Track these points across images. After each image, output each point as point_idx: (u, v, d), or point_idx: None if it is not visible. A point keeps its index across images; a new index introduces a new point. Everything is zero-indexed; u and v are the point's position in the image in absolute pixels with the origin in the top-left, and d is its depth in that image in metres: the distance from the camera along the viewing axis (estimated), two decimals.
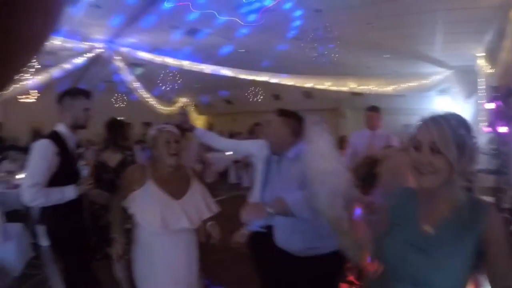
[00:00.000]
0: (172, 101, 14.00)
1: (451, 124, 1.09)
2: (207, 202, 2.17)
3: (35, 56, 0.26)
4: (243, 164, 8.59)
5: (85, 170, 2.42)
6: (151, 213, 1.97)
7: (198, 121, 13.75)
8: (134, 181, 2.04)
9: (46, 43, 0.26)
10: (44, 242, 4.37)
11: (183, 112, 2.96)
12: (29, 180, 2.15)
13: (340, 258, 2.05)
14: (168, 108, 13.33)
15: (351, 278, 3.47)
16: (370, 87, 8.09)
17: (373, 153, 3.03)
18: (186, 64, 7.24)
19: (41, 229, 4.37)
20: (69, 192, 2.25)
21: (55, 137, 2.30)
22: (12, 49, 0.22)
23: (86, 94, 2.43)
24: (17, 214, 4.52)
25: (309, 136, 1.93)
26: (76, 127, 2.41)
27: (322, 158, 1.76)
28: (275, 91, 11.69)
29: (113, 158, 3.20)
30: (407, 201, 1.29)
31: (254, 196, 2.61)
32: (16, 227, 4.01)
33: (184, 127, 2.81)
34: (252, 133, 3.55)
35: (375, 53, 7.11)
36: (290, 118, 2.20)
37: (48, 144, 2.22)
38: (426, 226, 1.18)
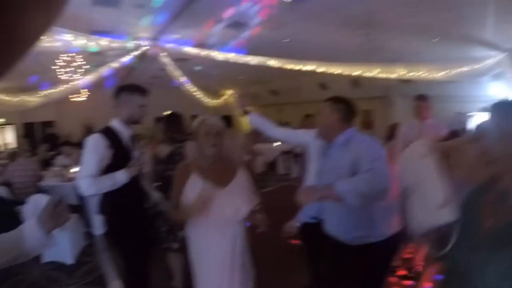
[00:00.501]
0: (218, 93, 14.16)
1: None
2: (251, 193, 2.15)
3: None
4: (292, 154, 8.51)
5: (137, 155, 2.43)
6: (196, 203, 1.98)
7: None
8: (181, 179, 2.08)
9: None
10: (98, 231, 4.61)
11: (242, 96, 3.04)
12: (83, 172, 2.30)
13: (390, 248, 2.00)
14: (215, 101, 13.52)
15: (402, 272, 3.35)
16: (419, 73, 7.65)
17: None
18: (232, 56, 7.24)
19: (95, 219, 4.62)
20: (120, 176, 2.31)
21: (107, 131, 2.39)
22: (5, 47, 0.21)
23: (142, 90, 2.48)
24: (72, 206, 4.74)
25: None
26: (131, 122, 2.47)
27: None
28: (322, 80, 11.38)
29: (164, 150, 3.28)
30: (474, 196, 1.21)
31: (307, 184, 2.56)
32: (72, 217, 4.22)
33: (243, 111, 2.94)
34: (304, 125, 3.48)
35: (424, 38, 6.72)
36: (340, 103, 2.17)
37: (99, 138, 2.32)
38: (489, 222, 1.08)
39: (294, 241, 3.12)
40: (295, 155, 7.72)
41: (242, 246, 2.11)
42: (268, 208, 2.26)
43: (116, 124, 2.41)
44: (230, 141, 3.84)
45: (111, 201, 2.42)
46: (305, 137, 2.72)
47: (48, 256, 3.99)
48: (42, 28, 0.25)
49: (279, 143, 8.87)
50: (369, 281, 2.13)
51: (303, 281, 3.09)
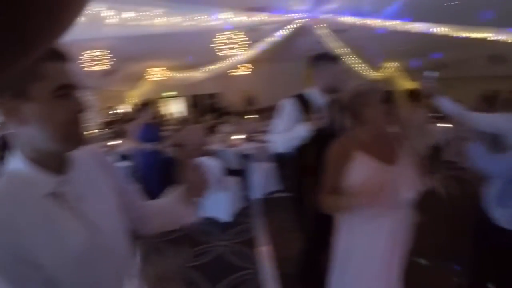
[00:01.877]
0: (378, 66, 13.41)
1: None
2: (418, 173, 1.76)
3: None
4: (462, 139, 7.33)
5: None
6: (368, 186, 1.62)
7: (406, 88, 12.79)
8: (339, 159, 1.72)
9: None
10: (254, 195, 5.07)
11: (428, 76, 2.48)
12: (272, 131, 2.54)
13: None
14: (376, 74, 12.83)
15: None
16: None
17: None
18: (392, 24, 6.58)
19: (254, 183, 5.06)
20: (299, 129, 2.32)
21: (300, 97, 2.48)
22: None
23: (336, 59, 2.48)
24: (234, 170, 5.26)
25: None
26: (328, 90, 2.41)
27: None
28: (498, 51, 9.42)
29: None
30: None
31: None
32: (232, 180, 4.72)
33: (426, 95, 2.52)
34: (489, 104, 2.81)
35: None
36: None
37: (290, 101, 2.46)
38: None
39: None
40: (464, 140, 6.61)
41: (407, 234, 1.78)
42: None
43: (311, 92, 2.46)
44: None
45: (296, 164, 2.53)
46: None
47: (207, 211, 4.53)
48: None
49: (445, 124, 7.75)
50: None
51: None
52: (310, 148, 2.32)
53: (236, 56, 8.97)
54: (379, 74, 12.73)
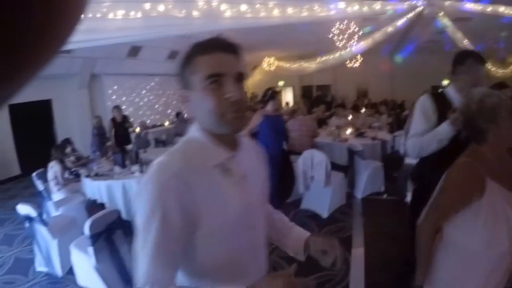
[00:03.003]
0: (505, 61, 11.53)
1: None
2: None
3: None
4: None
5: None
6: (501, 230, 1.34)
7: None
8: (472, 183, 1.37)
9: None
10: (359, 194, 4.87)
11: None
12: (410, 132, 2.38)
13: None
14: (503, 71, 11.05)
15: None
16: None
17: None
18: None
19: (361, 182, 4.86)
20: (442, 129, 2.10)
21: (437, 95, 2.37)
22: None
23: (483, 59, 2.29)
24: (341, 166, 5.12)
25: None
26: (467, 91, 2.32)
27: None
28: None
29: None
30: None
31: None
32: (338, 176, 4.60)
33: None
34: None
35: None
36: None
37: (426, 99, 2.32)
38: None
39: None
40: None
41: None
42: None
43: (450, 90, 2.31)
44: None
45: (424, 169, 2.35)
46: None
47: (307, 204, 4.50)
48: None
49: None
50: None
51: None
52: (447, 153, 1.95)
53: (352, 47, 8.63)
54: (506, 71, 10.78)
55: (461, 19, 6.93)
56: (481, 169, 1.36)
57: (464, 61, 2.23)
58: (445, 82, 11.70)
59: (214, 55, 0.87)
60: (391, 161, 5.25)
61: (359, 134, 6.28)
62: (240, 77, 0.90)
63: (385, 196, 4.96)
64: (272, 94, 4.24)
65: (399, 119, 7.98)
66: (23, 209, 3.19)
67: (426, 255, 1.48)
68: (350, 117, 7.53)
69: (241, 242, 0.96)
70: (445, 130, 2.03)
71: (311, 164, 4.41)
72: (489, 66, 10.20)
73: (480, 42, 8.51)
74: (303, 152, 4.57)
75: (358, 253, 3.41)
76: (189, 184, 0.84)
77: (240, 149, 1.00)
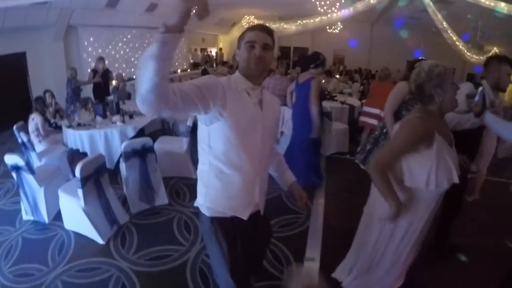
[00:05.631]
0: (482, 49, 11.90)
1: None
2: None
3: None
4: None
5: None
6: (446, 171, 1.76)
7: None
8: (423, 138, 1.73)
9: None
10: (325, 152, 5.22)
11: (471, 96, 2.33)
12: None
13: None
14: (478, 57, 11.44)
15: None
16: None
17: None
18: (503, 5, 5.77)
19: (326, 141, 5.17)
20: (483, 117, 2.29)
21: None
22: None
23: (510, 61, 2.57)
24: None
25: None
26: (496, 88, 2.58)
27: None
28: None
29: None
30: None
31: None
32: None
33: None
34: None
35: None
36: None
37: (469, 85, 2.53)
38: None
39: None
40: None
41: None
42: None
43: (485, 85, 2.54)
44: None
45: None
46: None
47: None
48: None
49: None
50: None
51: None
52: None
53: (333, 14, 8.73)
54: (482, 57, 11.17)
55: (444, 1, 7.11)
56: (431, 124, 1.73)
57: (489, 62, 2.56)
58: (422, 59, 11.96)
59: (254, 32, 1.45)
60: (357, 125, 5.65)
61: (330, 97, 6.65)
62: (265, 46, 1.44)
63: (348, 156, 5.38)
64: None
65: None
66: (11, 159, 3.26)
67: (387, 183, 1.78)
68: (323, 81, 7.82)
69: (248, 142, 1.44)
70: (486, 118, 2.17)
71: (281, 120, 4.70)
72: (465, 51, 10.51)
73: (459, 27, 8.73)
74: None
75: (319, 202, 3.88)
76: (226, 89, 1.36)
77: (261, 90, 1.55)
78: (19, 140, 4.34)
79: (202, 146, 1.49)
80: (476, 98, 2.16)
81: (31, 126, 4.49)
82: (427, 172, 1.75)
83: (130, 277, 2.63)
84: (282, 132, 4.75)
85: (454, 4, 7.04)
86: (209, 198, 1.53)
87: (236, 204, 1.51)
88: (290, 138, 4.35)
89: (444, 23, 8.06)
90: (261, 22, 12.87)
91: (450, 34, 8.66)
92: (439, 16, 7.70)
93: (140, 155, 3.46)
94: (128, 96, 6.90)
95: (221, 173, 1.47)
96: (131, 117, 4.88)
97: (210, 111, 1.34)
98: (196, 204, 1.59)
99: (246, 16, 13.11)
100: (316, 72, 3.91)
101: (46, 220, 3.44)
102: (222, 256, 1.52)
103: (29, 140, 4.31)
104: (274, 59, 12.91)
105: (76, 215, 3.11)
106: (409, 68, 3.28)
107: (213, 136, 1.42)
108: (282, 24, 11.91)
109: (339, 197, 4.03)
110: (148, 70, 1.00)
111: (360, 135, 5.47)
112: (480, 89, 2.20)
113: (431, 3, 7.08)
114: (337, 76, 10.39)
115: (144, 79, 1.02)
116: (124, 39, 10.31)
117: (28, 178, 3.34)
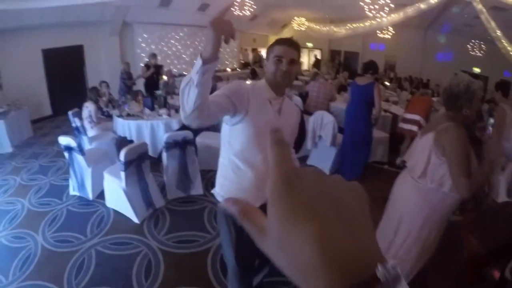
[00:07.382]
0: None
1: None
2: None
3: None
4: None
5: None
6: None
7: None
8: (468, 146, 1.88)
9: None
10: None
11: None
12: None
13: None
14: None
15: None
16: None
17: None
18: None
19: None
20: None
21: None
22: None
23: None
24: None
25: None
26: None
27: None
28: None
29: None
30: None
31: None
32: (340, 138, 4.82)
33: None
34: None
35: None
36: None
37: None
38: None
39: None
40: None
41: None
42: None
43: None
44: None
45: None
46: None
47: (313, 160, 4.77)
48: None
49: None
50: None
51: None
52: None
53: (383, 18, 8.54)
54: None
55: (497, 8, 6.74)
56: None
57: None
58: (476, 70, 11.33)
59: (282, 46, 1.56)
60: (398, 135, 5.45)
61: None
62: (292, 61, 1.57)
63: (385, 166, 5.20)
64: None
65: None
66: (64, 140, 3.60)
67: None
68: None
69: (263, 143, 1.55)
70: None
71: (320, 124, 4.71)
72: None
73: None
74: (314, 113, 4.85)
75: None
76: (250, 96, 1.54)
77: (283, 99, 1.68)
78: (73, 125, 4.76)
79: (224, 143, 1.67)
80: None
81: (85, 113, 4.87)
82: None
83: (156, 255, 2.85)
84: (320, 136, 4.74)
85: (508, 11, 6.61)
86: (224, 188, 1.71)
87: (247, 197, 1.65)
88: (343, 138, 4.58)
89: (498, 31, 7.55)
90: (312, 24, 12.85)
91: (505, 44, 8.07)
92: (492, 23, 7.24)
93: (180, 146, 3.67)
94: (176, 91, 7.21)
95: (237, 168, 1.65)
96: (177, 111, 5.11)
97: (237, 114, 1.52)
98: (213, 191, 1.78)
99: (296, 17, 13.13)
100: (372, 77, 4.32)
101: (90, 197, 3.78)
102: (230, 242, 1.72)
103: (82, 125, 4.71)
104: (327, 63, 12.78)
105: (117, 195, 3.38)
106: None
107: (233, 135, 1.60)
108: (332, 27, 11.80)
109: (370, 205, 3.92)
110: (191, 95, 1.22)
111: (401, 144, 5.30)
112: None
113: (484, 10, 6.69)
114: (387, 84, 10.09)
115: (188, 102, 1.24)
116: (176, 37, 10.81)
117: (79, 158, 3.67)
